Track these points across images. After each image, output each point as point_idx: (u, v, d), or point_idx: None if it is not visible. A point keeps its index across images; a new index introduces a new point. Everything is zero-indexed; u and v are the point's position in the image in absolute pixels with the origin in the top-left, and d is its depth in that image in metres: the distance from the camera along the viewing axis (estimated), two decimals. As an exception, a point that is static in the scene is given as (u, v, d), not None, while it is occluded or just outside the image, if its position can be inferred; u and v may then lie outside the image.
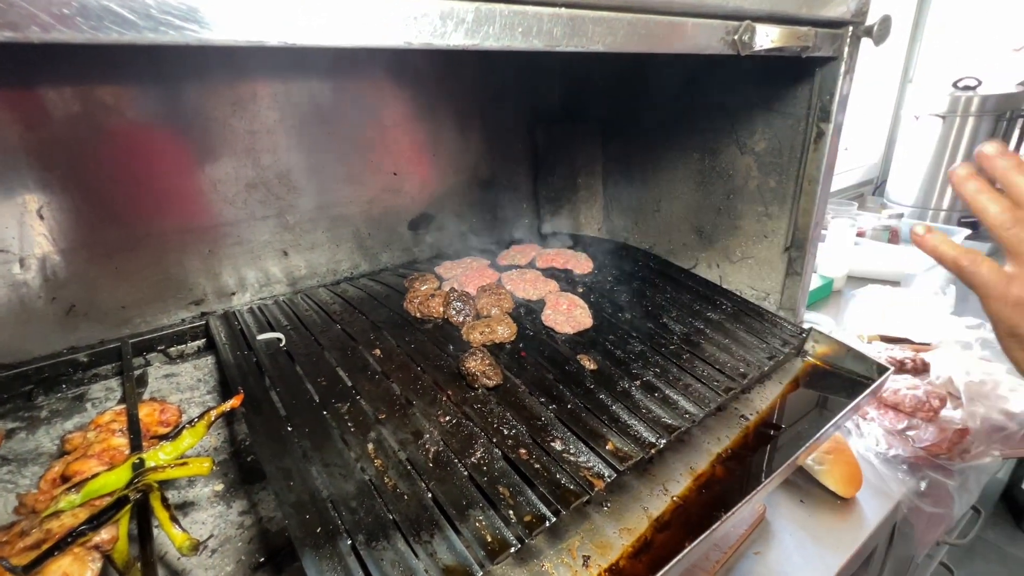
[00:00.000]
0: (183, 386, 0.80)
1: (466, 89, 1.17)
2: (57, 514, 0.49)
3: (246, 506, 0.63)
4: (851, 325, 1.51)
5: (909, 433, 0.96)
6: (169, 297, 0.89)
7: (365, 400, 0.63)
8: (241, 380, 0.69)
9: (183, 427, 0.58)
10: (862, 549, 0.89)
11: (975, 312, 1.34)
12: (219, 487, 0.65)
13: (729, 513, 0.55)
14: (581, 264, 0.93)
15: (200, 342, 0.89)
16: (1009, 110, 1.90)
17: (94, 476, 0.53)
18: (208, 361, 0.86)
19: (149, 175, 0.83)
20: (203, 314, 0.92)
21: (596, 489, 0.52)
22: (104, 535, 0.48)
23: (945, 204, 2.11)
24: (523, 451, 0.56)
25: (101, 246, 0.81)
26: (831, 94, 0.73)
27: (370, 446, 0.56)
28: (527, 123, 1.25)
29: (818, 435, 0.70)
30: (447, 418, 0.60)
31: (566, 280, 0.91)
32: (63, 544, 0.44)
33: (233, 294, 0.96)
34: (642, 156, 1.12)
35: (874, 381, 0.79)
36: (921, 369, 1.11)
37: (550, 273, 0.93)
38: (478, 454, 0.55)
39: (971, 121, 1.95)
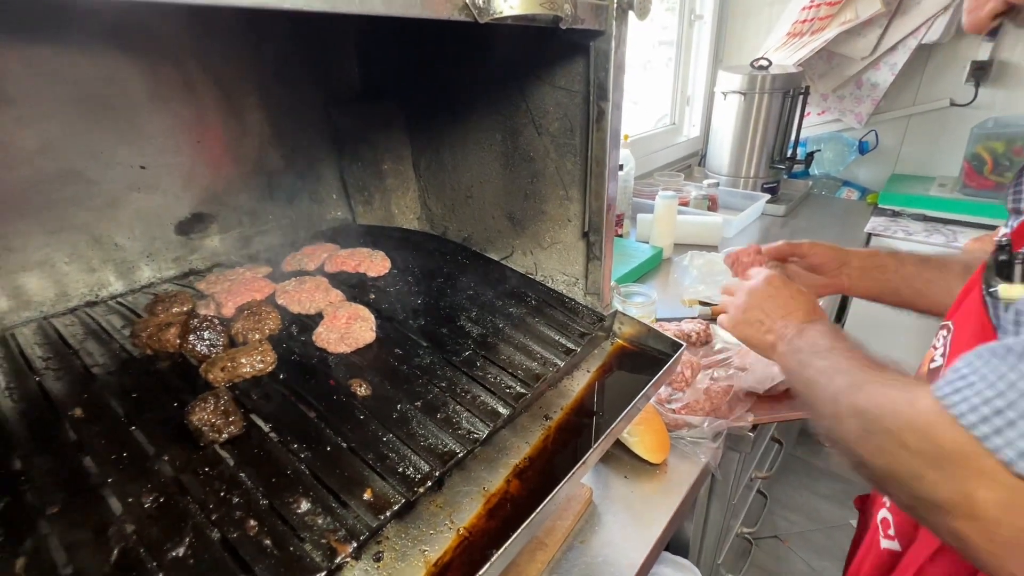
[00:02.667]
0: None
1: (236, 64, 0.96)
2: None
3: None
4: (676, 292, 1.62)
5: (669, 405, 1.04)
6: None
7: (33, 490, 0.46)
8: None
9: None
10: (678, 512, 0.93)
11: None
12: None
13: (507, 542, 0.50)
14: (377, 265, 0.82)
15: None
16: (792, 88, 2.15)
17: None
18: None
19: None
20: None
21: (340, 557, 0.43)
22: None
23: (751, 172, 2.37)
24: (253, 523, 0.44)
25: None
26: (606, 70, 0.70)
27: (19, 563, 0.40)
28: (322, 104, 1.09)
29: (614, 423, 0.68)
30: (153, 496, 0.46)
31: (358, 286, 0.79)
32: None
33: None
34: (450, 138, 1.03)
35: (671, 357, 0.81)
36: (705, 341, 1.21)
37: (340, 278, 0.80)
38: (185, 543, 0.42)
39: (766, 98, 2.19)
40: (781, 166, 2.32)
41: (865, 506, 0.92)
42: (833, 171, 2.53)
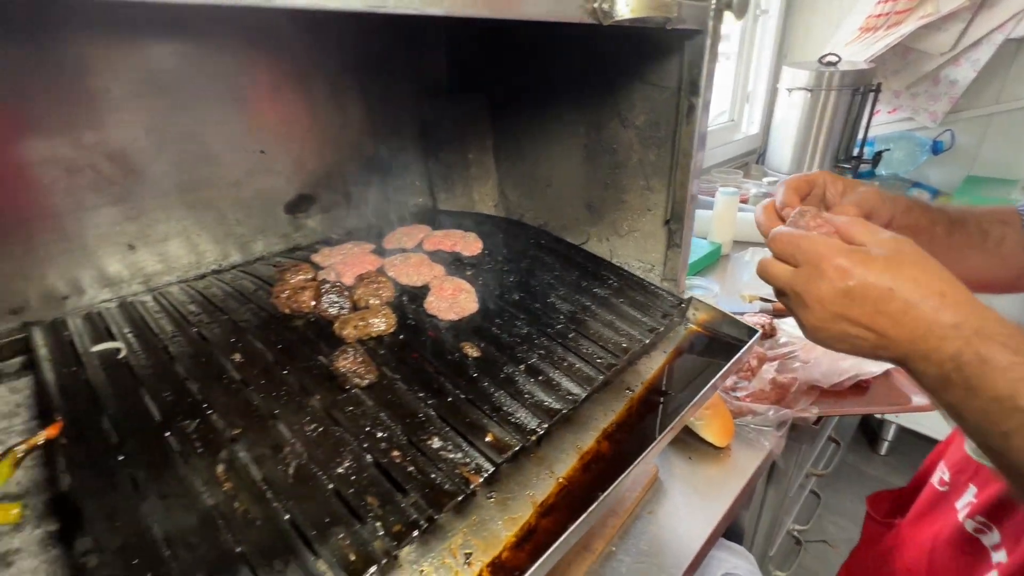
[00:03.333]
0: (-5, 415, 0.67)
1: (342, 58, 1.06)
2: None
3: (90, 544, 0.54)
4: (735, 287, 1.63)
5: (734, 393, 1.06)
6: (-28, 308, 0.74)
7: (218, 415, 0.55)
8: (65, 402, 0.58)
9: (-22, 470, 0.48)
10: (741, 495, 0.97)
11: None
12: (53, 527, 0.56)
13: (607, 491, 0.56)
14: (470, 245, 0.89)
15: (21, 358, 0.75)
16: (862, 85, 2.10)
17: None
18: (30, 381, 0.72)
19: (-79, 159, 0.67)
20: (25, 324, 0.77)
21: (473, 486, 0.50)
22: None
23: (814, 171, 2.32)
24: (397, 453, 0.52)
25: None
26: (699, 67, 0.74)
27: (220, 468, 0.50)
28: (413, 97, 1.17)
29: (696, 398, 0.73)
30: (313, 426, 0.55)
31: (454, 263, 0.87)
32: None
33: (65, 298, 0.81)
34: (532, 131, 1.09)
35: (745, 343, 0.85)
36: (770, 334, 1.22)
37: (438, 256, 0.88)
38: (346, 463, 0.51)
39: (833, 95, 2.15)
40: (846, 165, 2.27)
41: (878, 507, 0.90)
42: (902, 172, 2.44)
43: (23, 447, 0.51)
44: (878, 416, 2.51)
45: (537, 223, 1.13)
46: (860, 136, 2.21)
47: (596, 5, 0.53)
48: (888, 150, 2.41)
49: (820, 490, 1.75)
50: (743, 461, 1.02)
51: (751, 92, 2.74)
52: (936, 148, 2.37)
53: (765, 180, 2.26)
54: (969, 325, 0.42)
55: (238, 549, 0.42)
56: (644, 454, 0.60)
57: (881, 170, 2.48)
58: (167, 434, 0.53)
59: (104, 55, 0.76)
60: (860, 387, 1.13)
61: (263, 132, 0.98)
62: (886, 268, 0.45)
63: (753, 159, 2.81)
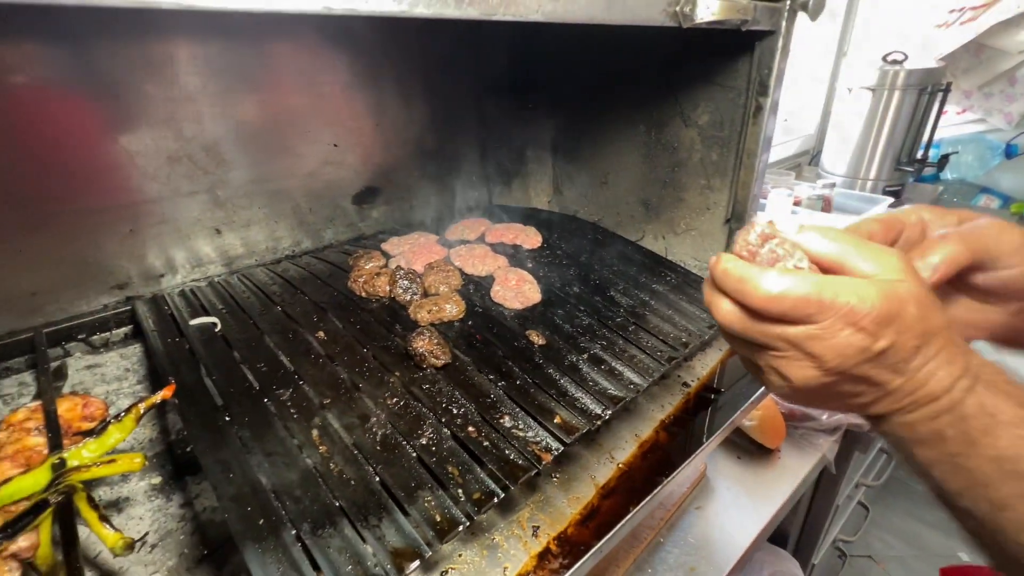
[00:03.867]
0: (108, 377, 0.75)
1: (409, 57, 1.11)
2: (-36, 524, 0.45)
3: (186, 498, 0.60)
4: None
5: None
6: (87, 281, 0.82)
7: (308, 385, 0.61)
8: (173, 369, 0.65)
9: (108, 422, 0.54)
10: (791, 497, 0.97)
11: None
12: (156, 480, 0.62)
13: (670, 477, 0.58)
14: (530, 239, 0.92)
15: (127, 328, 0.83)
16: (930, 84, 2.01)
17: (7, 481, 0.49)
18: (136, 349, 0.80)
19: (52, 147, 0.75)
20: (128, 298, 0.85)
21: (544, 463, 0.53)
22: (22, 543, 0.45)
23: (872, 174, 2.24)
24: (472, 429, 0.56)
25: None
26: (769, 68, 0.74)
27: (314, 433, 0.55)
28: (474, 94, 1.21)
29: (753, 397, 0.74)
30: (395, 400, 0.59)
31: (515, 255, 0.90)
32: (-27, 556, 0.41)
33: (162, 276, 0.89)
34: (590, 129, 1.11)
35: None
36: None
37: (499, 248, 0.92)
38: (427, 435, 0.55)
39: (897, 95, 2.06)
40: (909, 168, 2.17)
41: None
42: (971, 176, 2.32)
43: (144, 404, 0.57)
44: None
45: (592, 219, 1.15)
46: (925, 138, 2.12)
47: (678, 8, 0.55)
48: (956, 153, 2.29)
49: (869, 503, 1.70)
50: (793, 464, 1.02)
51: (807, 90, 2.66)
52: (1010, 152, 2.24)
53: (820, 182, 2.19)
54: (971, 372, 0.36)
55: (337, 503, 0.47)
56: (705, 445, 0.62)
57: (947, 174, 2.36)
58: (265, 400, 0.59)
59: (204, 55, 0.83)
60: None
61: (337, 127, 1.04)
62: (919, 319, 0.35)
63: (806, 160, 2.73)
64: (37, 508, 0.47)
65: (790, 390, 0.40)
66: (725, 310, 0.39)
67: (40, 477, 0.50)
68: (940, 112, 2.10)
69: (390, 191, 1.16)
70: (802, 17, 0.73)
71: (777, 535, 1.30)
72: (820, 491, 1.24)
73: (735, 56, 0.78)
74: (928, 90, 2.04)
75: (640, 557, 0.84)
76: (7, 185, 0.72)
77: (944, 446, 0.37)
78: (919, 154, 2.16)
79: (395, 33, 1.06)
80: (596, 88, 1.06)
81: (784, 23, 0.71)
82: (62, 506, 0.48)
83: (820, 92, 2.64)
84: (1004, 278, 0.44)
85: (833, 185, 2.20)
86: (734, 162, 0.84)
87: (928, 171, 2.22)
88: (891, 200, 2.11)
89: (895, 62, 2.09)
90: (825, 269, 0.38)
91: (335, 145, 1.05)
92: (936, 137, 2.22)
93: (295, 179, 1.01)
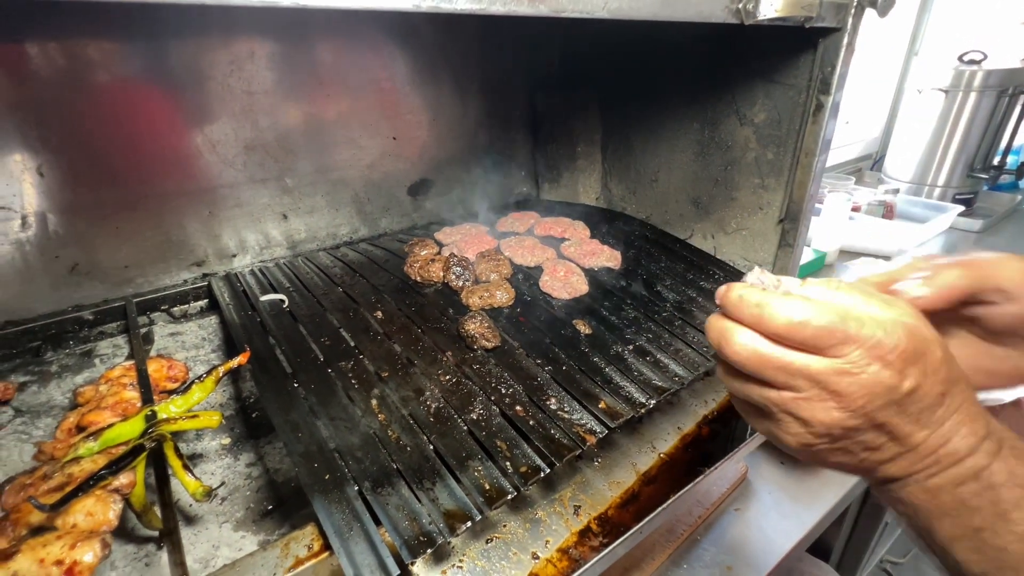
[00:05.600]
0: (188, 344, 0.82)
1: (466, 54, 1.15)
2: (77, 460, 0.52)
3: (253, 458, 0.66)
4: (840, 298, 1.54)
5: None
6: (171, 258, 0.90)
7: (368, 359, 0.65)
8: (246, 339, 0.71)
9: (192, 382, 0.60)
10: (834, 508, 0.94)
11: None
12: (226, 440, 0.68)
13: (712, 468, 0.59)
14: (579, 232, 0.94)
15: (203, 302, 0.91)
16: (1012, 86, 1.88)
17: (110, 426, 0.55)
18: (212, 321, 0.88)
19: (146, 135, 0.83)
20: (205, 275, 0.93)
21: (588, 444, 0.55)
22: (123, 479, 0.50)
23: (941, 180, 2.12)
24: (520, 408, 0.59)
25: (101, 206, 0.82)
26: (832, 66, 0.73)
27: (374, 402, 0.59)
28: (526, 90, 1.24)
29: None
30: (447, 377, 0.62)
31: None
32: (86, 486, 0.47)
33: (234, 256, 0.97)
34: (642, 126, 1.11)
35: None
36: None
37: (548, 240, 0.94)
38: (477, 411, 0.58)
39: (973, 96, 1.94)
40: (983, 175, 2.04)
41: None
42: (1053, 185, 2.16)
43: (224, 368, 0.63)
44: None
45: (640, 216, 1.15)
46: (1004, 144, 1.98)
47: (740, 5, 0.55)
48: (1037, 160, 2.14)
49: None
50: (839, 474, 0.99)
51: (871, 92, 2.54)
52: (1100, 160, 2.06)
53: (882, 188, 2.09)
54: (995, 435, 0.33)
55: (395, 466, 0.51)
56: (747, 442, 0.62)
57: (1026, 182, 2.20)
58: (329, 370, 0.63)
59: (281, 52, 0.89)
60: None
61: (396, 120, 1.09)
62: (944, 361, 0.33)
63: (868, 165, 2.61)
64: (134, 452, 0.53)
65: (808, 437, 0.36)
66: (741, 342, 0.36)
67: (136, 425, 0.56)
68: (1022, 116, 1.97)
69: (443, 183, 1.21)
70: (870, 14, 0.72)
71: (820, 547, 1.26)
72: (867, 505, 1.19)
73: (797, 53, 0.77)
74: (1009, 92, 1.91)
75: (676, 552, 0.85)
76: (111, 167, 0.80)
77: (969, 519, 0.33)
78: (995, 160, 2.03)
79: (454, 30, 1.10)
80: (647, 85, 1.06)
81: (851, 20, 0.70)
82: (154, 452, 0.53)
83: (886, 94, 2.52)
84: (1018, 314, 0.40)
85: (896, 191, 2.10)
86: (790, 162, 0.83)
87: (1005, 179, 2.08)
88: (961, 208, 1.99)
89: (972, 62, 1.97)
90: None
91: (394, 138, 1.10)
92: (1016, 143, 2.08)
93: (356, 170, 1.07)
